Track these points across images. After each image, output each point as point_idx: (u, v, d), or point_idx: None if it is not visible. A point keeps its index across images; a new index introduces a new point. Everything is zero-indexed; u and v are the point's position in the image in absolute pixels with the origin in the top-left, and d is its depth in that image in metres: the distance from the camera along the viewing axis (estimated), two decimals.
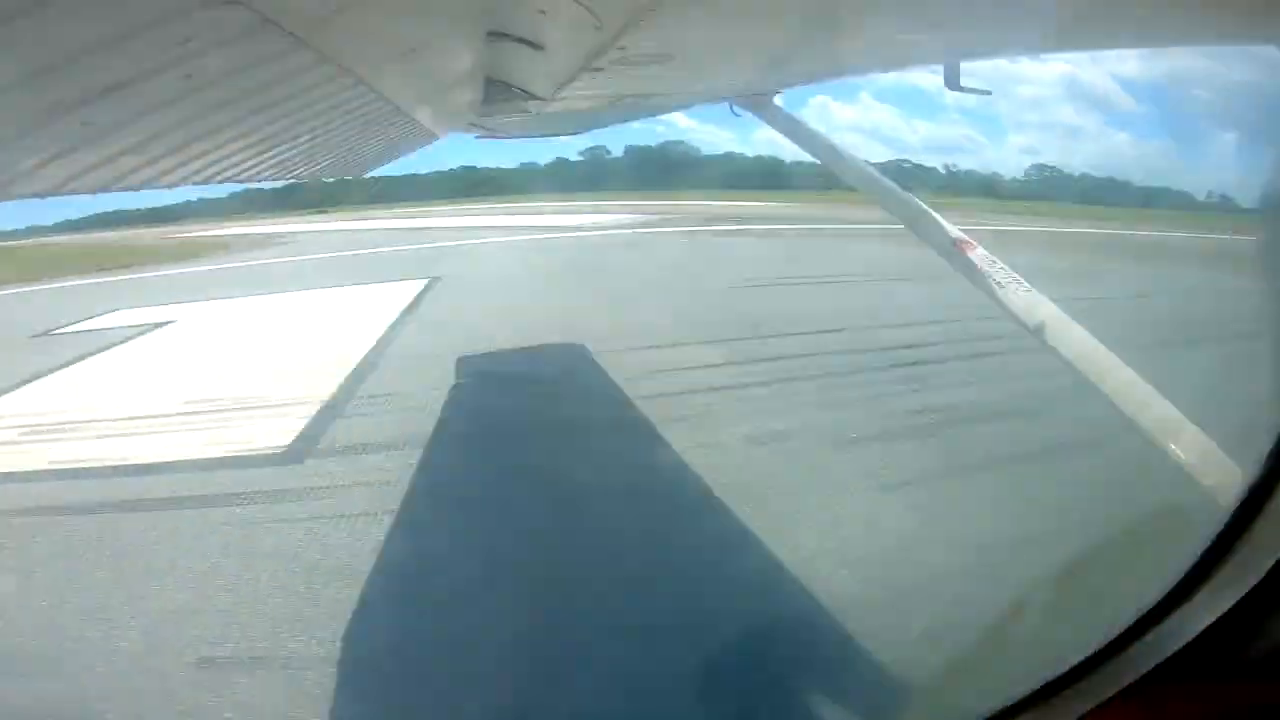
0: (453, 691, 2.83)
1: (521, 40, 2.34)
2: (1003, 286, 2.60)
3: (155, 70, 1.18)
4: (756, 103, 3.58)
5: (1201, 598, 0.87)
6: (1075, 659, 0.92)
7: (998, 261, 2.71)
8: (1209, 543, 0.89)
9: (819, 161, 3.50)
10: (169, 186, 2.21)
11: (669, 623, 3.08)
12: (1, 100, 1.09)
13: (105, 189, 1.82)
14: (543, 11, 2.10)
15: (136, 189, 1.99)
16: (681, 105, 6.05)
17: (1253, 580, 0.81)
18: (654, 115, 6.34)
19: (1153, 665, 0.85)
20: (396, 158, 6.13)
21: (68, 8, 0.88)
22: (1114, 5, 1.64)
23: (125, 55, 1.10)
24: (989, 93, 2.79)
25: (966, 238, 2.75)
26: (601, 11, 1.79)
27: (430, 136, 4.37)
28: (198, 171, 2.16)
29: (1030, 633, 1.39)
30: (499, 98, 3.33)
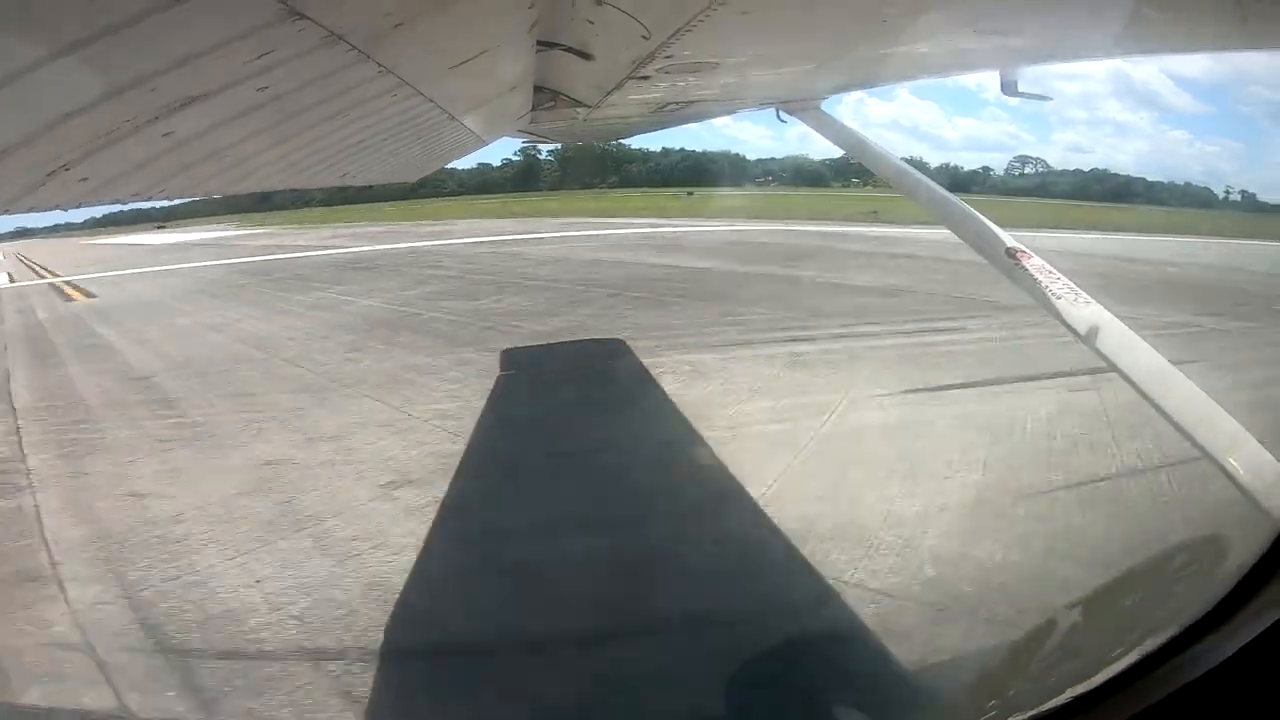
0: None
1: (570, 49, 2.39)
2: (1059, 298, 2.51)
3: (233, 83, 1.26)
4: (803, 108, 3.56)
5: (1243, 617, 0.84)
6: (1106, 675, 0.91)
7: (1055, 271, 2.62)
8: (1257, 560, 0.87)
9: (869, 168, 3.46)
10: (240, 192, 2.34)
11: None
12: (94, 112, 1.18)
13: (182, 195, 1.95)
14: (591, 22, 2.14)
15: (210, 195, 2.12)
16: (726, 111, 6.04)
17: None
18: (698, 121, 6.36)
19: (1186, 682, 0.83)
20: (445, 163, 6.28)
21: (163, 24, 0.95)
22: (1173, 9, 1.58)
23: (207, 69, 1.18)
24: (1049, 99, 2.70)
25: (1022, 247, 2.66)
26: (649, 21, 1.82)
27: (479, 142, 4.48)
28: (266, 178, 2.27)
29: (1061, 647, 1.35)
30: (547, 105, 3.40)
